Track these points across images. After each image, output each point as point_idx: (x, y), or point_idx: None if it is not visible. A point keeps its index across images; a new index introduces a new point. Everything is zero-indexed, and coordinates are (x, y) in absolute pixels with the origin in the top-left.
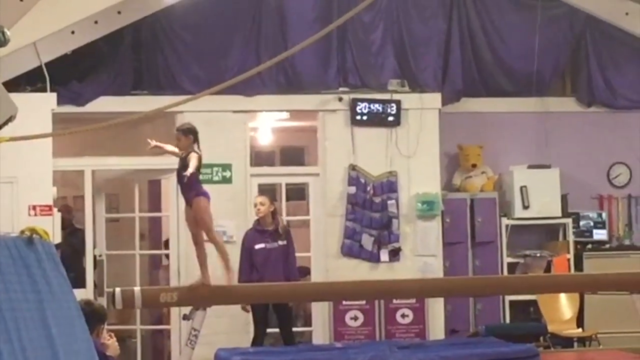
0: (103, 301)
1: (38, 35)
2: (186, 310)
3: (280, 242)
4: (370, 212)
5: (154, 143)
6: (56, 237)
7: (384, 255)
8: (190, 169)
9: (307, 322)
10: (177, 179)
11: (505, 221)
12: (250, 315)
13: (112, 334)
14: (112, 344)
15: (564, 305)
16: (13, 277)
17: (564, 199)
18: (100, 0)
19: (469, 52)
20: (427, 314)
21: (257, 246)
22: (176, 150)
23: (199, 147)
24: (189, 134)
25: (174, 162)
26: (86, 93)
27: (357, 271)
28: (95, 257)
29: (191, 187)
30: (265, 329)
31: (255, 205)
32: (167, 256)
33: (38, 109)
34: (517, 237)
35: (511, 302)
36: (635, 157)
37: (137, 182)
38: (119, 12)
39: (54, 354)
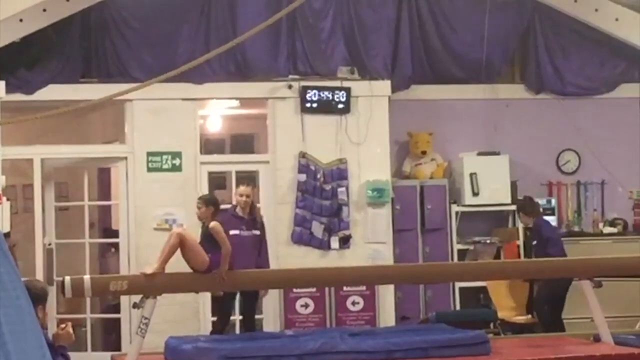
0: (52, 290)
1: None
2: (136, 298)
3: (254, 232)
4: (321, 199)
5: None
6: (5, 225)
7: (334, 243)
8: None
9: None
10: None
11: (455, 208)
12: (200, 304)
13: (69, 323)
14: (65, 334)
15: (514, 291)
16: None
17: (513, 185)
18: None
19: (419, 39)
20: (377, 301)
21: (232, 232)
22: None
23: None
24: (210, 205)
25: (123, 151)
26: (35, 81)
27: (308, 259)
28: (44, 245)
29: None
30: (229, 318)
31: (242, 196)
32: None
33: None
34: (467, 224)
35: (461, 289)
36: (584, 143)
37: (87, 170)
38: (67, 0)
39: (1, 343)
